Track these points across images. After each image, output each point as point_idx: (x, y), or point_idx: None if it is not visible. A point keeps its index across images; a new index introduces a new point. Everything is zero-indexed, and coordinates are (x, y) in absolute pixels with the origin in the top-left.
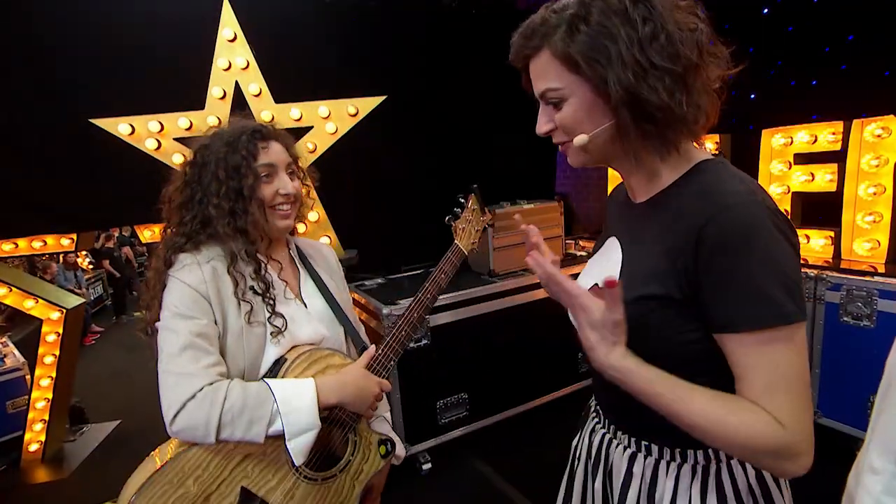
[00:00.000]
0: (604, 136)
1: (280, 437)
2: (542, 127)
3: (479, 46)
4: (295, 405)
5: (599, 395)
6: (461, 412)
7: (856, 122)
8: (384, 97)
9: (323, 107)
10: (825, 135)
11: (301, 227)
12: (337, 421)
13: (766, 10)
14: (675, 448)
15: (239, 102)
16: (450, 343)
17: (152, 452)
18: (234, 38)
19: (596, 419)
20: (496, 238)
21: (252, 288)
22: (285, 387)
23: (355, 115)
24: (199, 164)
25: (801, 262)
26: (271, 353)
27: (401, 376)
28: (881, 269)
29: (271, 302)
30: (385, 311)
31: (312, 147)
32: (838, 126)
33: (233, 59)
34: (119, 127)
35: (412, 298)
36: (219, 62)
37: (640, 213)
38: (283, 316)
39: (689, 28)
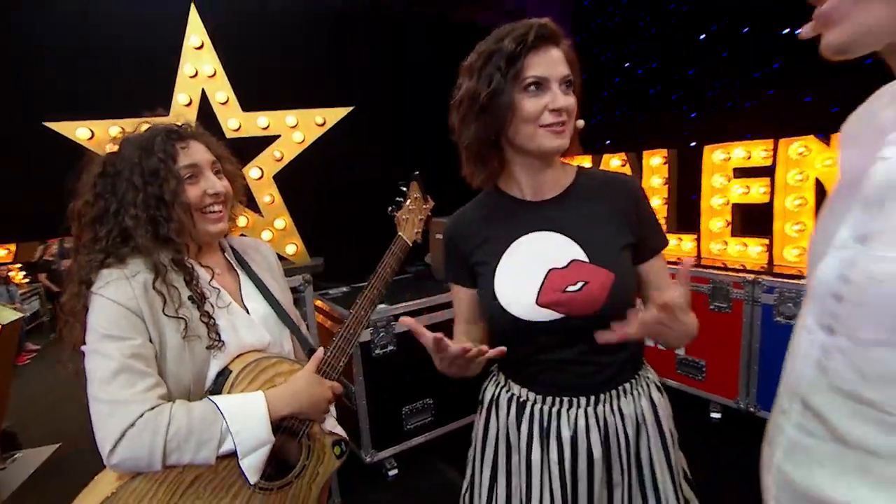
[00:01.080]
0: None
1: (231, 455)
2: (558, 102)
3: (443, 60)
4: (245, 422)
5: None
6: (426, 417)
7: (782, 140)
8: (352, 108)
9: (290, 116)
10: (758, 151)
11: (267, 234)
12: (288, 429)
13: (702, 37)
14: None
15: (205, 110)
16: (415, 349)
17: (90, 484)
18: (202, 46)
19: (525, 413)
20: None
21: (190, 298)
22: (232, 403)
23: (322, 124)
24: (110, 174)
25: (740, 267)
26: (214, 366)
27: (367, 383)
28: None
29: (208, 312)
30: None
31: (280, 155)
32: (769, 144)
33: (200, 66)
34: (77, 131)
35: (359, 296)
36: (185, 69)
37: (565, 205)
38: (219, 327)
39: None
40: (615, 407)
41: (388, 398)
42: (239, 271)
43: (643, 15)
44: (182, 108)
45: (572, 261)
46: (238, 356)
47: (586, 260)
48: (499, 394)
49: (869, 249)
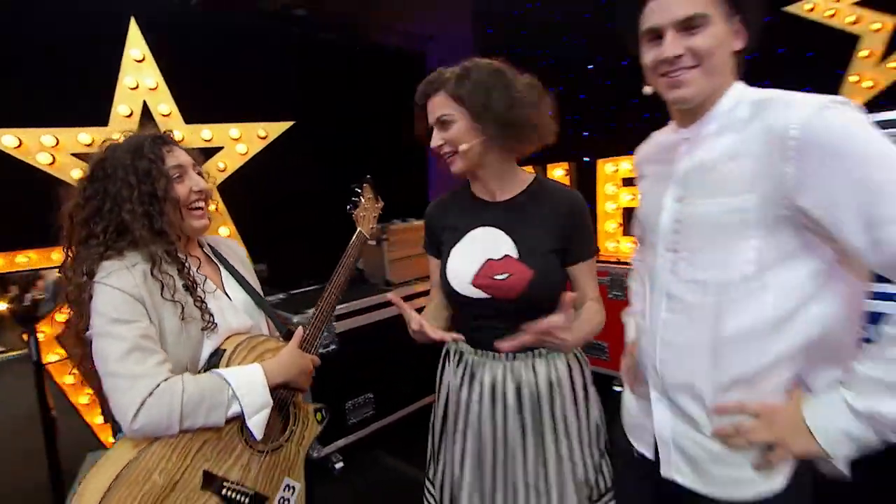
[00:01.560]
0: (477, 150)
1: (234, 420)
2: (436, 142)
3: (378, 82)
4: (249, 388)
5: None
6: (368, 411)
7: None
8: (292, 122)
9: (234, 129)
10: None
11: (225, 231)
12: (278, 398)
13: (590, 67)
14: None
15: (146, 121)
16: (355, 347)
17: (104, 455)
18: (143, 59)
19: (462, 363)
20: (390, 252)
21: (184, 285)
22: (236, 373)
23: (265, 137)
24: (100, 178)
25: (626, 262)
26: (207, 346)
27: (311, 381)
28: None
29: (201, 297)
30: (295, 319)
31: (223, 167)
32: None
33: (141, 79)
34: (3, 139)
35: (328, 282)
36: (126, 81)
37: (513, 207)
38: (211, 310)
39: (529, 87)
40: (530, 365)
41: (331, 395)
42: (217, 263)
43: (542, 45)
44: (122, 118)
45: (505, 255)
46: (228, 337)
47: (516, 256)
48: (450, 348)
49: (685, 205)
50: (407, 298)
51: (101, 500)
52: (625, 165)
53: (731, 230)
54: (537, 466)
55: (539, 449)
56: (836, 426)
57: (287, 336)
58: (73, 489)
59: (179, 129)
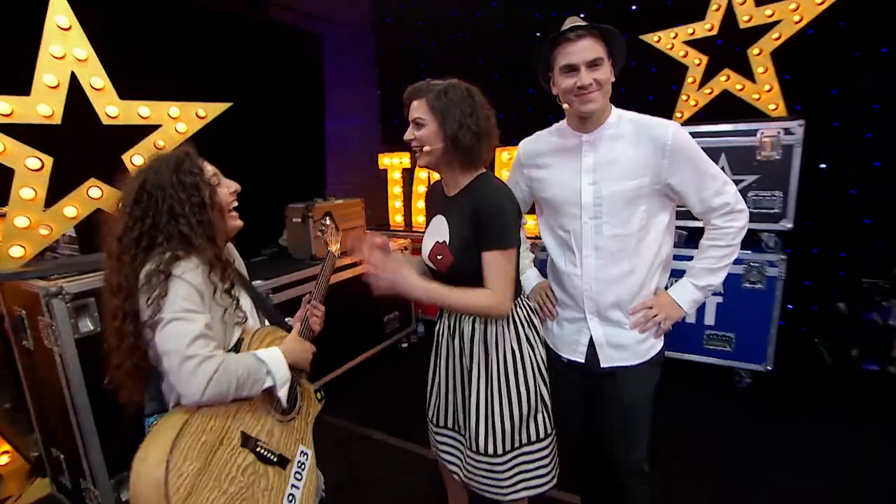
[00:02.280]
0: (438, 153)
1: (263, 392)
2: (408, 136)
3: (276, 62)
4: (276, 366)
5: None
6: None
7: None
8: (230, 104)
9: (174, 107)
10: None
11: None
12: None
13: (480, 62)
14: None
15: (77, 94)
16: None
17: (158, 424)
18: (70, 28)
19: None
20: (315, 228)
21: (226, 289)
22: (270, 354)
23: (204, 117)
24: (145, 199)
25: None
26: (234, 336)
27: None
28: None
29: (238, 299)
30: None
31: (162, 145)
32: None
33: (69, 48)
34: None
35: (314, 286)
36: (52, 49)
37: (453, 201)
38: (243, 308)
39: (487, 114)
40: (469, 320)
41: None
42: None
43: (436, 38)
44: (47, 89)
45: (443, 241)
46: (250, 328)
47: (447, 242)
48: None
49: (598, 187)
50: (334, 271)
51: (170, 450)
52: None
53: (633, 200)
54: (470, 397)
55: (472, 386)
56: (689, 298)
57: (287, 330)
58: None
59: (115, 105)
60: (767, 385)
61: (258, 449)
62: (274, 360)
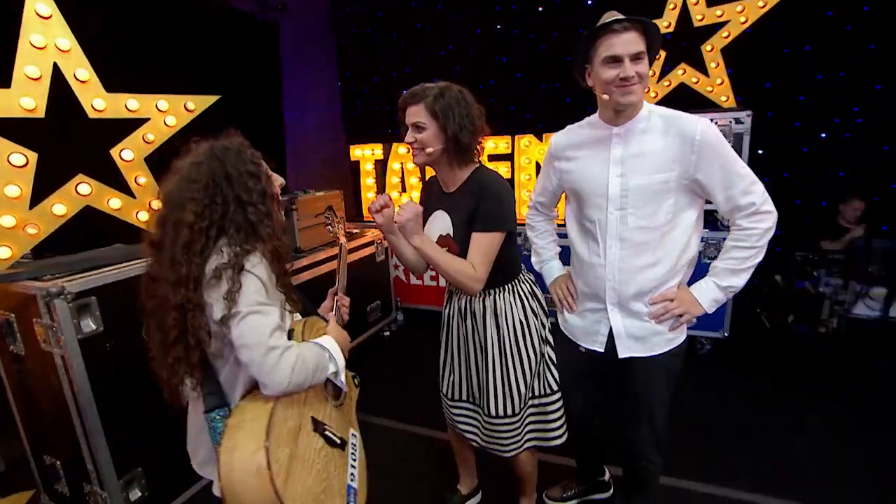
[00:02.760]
0: (438, 153)
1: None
2: (408, 139)
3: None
4: (336, 353)
5: None
6: None
7: (517, 136)
8: (219, 97)
9: (163, 101)
10: (501, 143)
11: (144, 216)
12: None
13: (443, 53)
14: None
15: (60, 87)
16: None
17: (236, 414)
18: (51, 17)
19: (449, 292)
20: (300, 220)
21: (283, 282)
22: (328, 342)
23: (193, 111)
24: (212, 187)
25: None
26: (287, 326)
27: None
28: None
29: (293, 286)
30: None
31: (152, 138)
32: (508, 139)
33: (51, 39)
34: None
35: (336, 272)
36: (32, 39)
37: (454, 196)
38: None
39: (478, 112)
40: (480, 299)
41: None
42: None
43: (396, 29)
44: (29, 81)
45: (448, 233)
46: (295, 319)
47: (452, 234)
48: (451, 290)
49: (626, 178)
50: (316, 264)
51: (265, 437)
52: (490, 144)
53: (660, 193)
54: (487, 367)
55: (488, 356)
56: (710, 297)
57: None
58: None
59: (101, 98)
60: (725, 350)
61: (326, 432)
62: (332, 347)
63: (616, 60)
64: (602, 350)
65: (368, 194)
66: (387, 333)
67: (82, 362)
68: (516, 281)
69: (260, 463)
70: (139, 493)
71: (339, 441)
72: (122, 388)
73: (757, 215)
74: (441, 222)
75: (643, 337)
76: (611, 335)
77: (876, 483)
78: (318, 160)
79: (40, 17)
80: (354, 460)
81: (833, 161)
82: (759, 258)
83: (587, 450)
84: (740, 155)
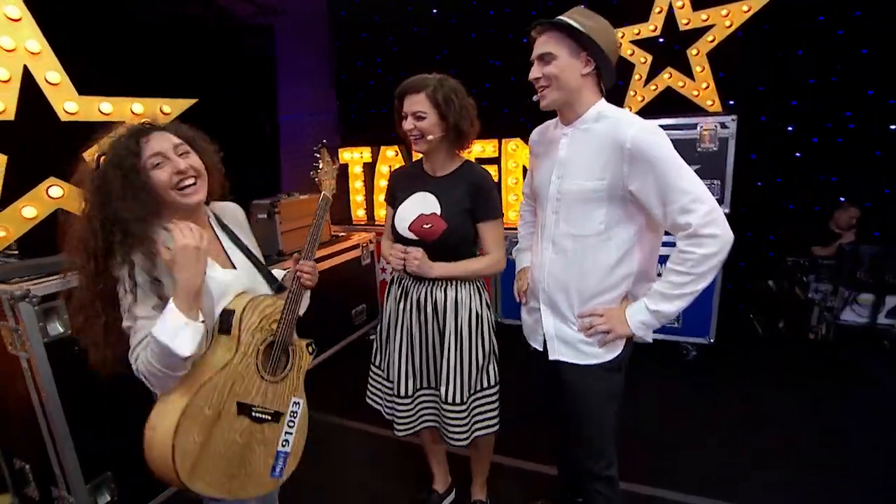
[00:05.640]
0: (438, 140)
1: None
2: (407, 125)
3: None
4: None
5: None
6: None
7: (504, 140)
8: (195, 100)
9: (138, 104)
10: (488, 147)
11: None
12: (281, 341)
13: (438, 57)
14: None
15: (31, 89)
16: None
17: (158, 407)
18: (20, 19)
19: (401, 286)
20: (282, 224)
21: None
22: (165, 326)
23: (168, 114)
24: (98, 203)
25: None
26: (218, 306)
27: None
28: None
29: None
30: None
31: None
32: (495, 142)
33: (20, 41)
34: None
35: (305, 241)
36: (2, 42)
37: (444, 181)
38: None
39: (471, 99)
40: (443, 289)
41: None
42: (221, 234)
43: (392, 33)
44: None
45: (433, 212)
46: (235, 297)
47: (439, 213)
48: (392, 279)
49: (562, 181)
50: None
51: (174, 433)
52: (477, 147)
53: (591, 202)
54: (443, 355)
55: (445, 344)
56: (638, 319)
57: (278, 290)
58: None
59: (73, 101)
60: (711, 356)
61: (254, 413)
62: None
63: (532, 63)
64: (541, 349)
65: (357, 197)
66: (372, 337)
67: (48, 366)
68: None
69: (167, 454)
70: (108, 498)
71: (269, 417)
72: (90, 392)
73: (695, 238)
74: (423, 202)
75: (571, 343)
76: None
77: (868, 486)
78: (313, 162)
79: (10, 19)
80: (292, 427)
81: (825, 166)
82: (699, 286)
83: (563, 460)
84: (725, 160)
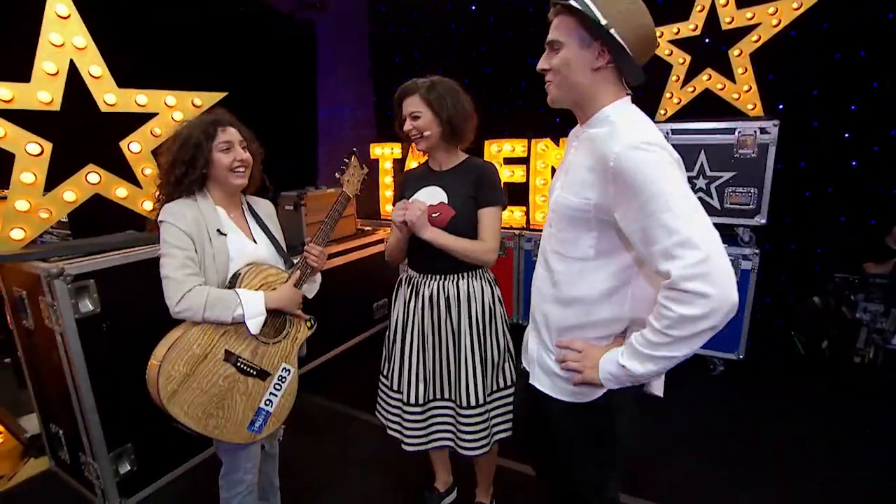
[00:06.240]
0: (436, 136)
1: (239, 322)
2: (407, 127)
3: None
4: (251, 301)
5: (426, 265)
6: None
7: (533, 140)
8: (226, 93)
9: (171, 97)
10: (518, 147)
11: (148, 205)
12: (282, 312)
13: (474, 53)
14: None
15: (76, 82)
16: None
17: (168, 335)
18: (69, 17)
19: (410, 284)
20: (308, 216)
21: (217, 229)
22: (246, 296)
23: (200, 106)
24: (176, 147)
25: (507, 227)
26: (231, 269)
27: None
28: None
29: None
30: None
31: (159, 132)
32: (524, 142)
33: (68, 37)
34: None
35: (318, 230)
36: (51, 37)
37: (449, 174)
38: (229, 246)
39: (467, 96)
40: (455, 282)
41: None
42: (250, 217)
43: (430, 29)
44: (47, 76)
45: (440, 202)
46: (246, 265)
47: (447, 202)
48: (401, 276)
49: (558, 192)
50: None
51: (162, 358)
52: (507, 147)
53: (578, 221)
54: (460, 353)
55: (461, 341)
56: (607, 368)
57: (292, 269)
58: None
59: (113, 93)
60: (740, 372)
61: (239, 364)
62: (249, 298)
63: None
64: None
65: (386, 192)
66: None
67: (79, 341)
68: (483, 270)
69: (153, 374)
70: (128, 467)
71: (254, 372)
72: (116, 368)
73: (674, 292)
74: (432, 194)
75: (549, 373)
76: None
77: None
78: (340, 165)
79: (60, 17)
80: (279, 389)
81: (884, 177)
82: (677, 353)
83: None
84: (763, 167)
